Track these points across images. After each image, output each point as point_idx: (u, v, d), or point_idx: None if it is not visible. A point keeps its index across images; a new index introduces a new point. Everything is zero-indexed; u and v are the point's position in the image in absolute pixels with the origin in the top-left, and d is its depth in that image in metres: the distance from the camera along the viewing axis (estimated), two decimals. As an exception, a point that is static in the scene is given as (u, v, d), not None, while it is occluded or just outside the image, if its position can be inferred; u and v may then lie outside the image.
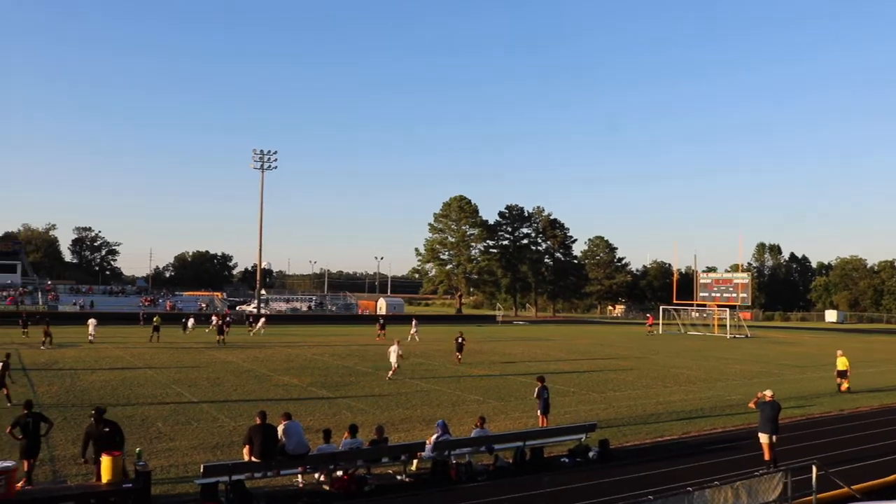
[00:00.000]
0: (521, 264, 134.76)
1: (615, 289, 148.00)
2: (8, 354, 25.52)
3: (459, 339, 40.69)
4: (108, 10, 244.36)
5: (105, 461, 12.43)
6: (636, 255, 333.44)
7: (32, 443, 13.36)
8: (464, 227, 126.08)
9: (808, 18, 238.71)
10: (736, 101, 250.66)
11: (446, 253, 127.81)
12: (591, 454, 16.90)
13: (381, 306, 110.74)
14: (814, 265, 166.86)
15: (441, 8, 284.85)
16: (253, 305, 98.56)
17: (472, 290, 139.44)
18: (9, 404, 21.78)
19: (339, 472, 14.30)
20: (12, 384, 24.07)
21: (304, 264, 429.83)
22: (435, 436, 15.73)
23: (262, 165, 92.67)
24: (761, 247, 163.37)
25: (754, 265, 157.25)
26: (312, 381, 30.15)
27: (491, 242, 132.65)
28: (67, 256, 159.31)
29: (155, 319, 52.18)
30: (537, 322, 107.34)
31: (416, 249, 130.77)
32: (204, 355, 40.33)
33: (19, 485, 12.22)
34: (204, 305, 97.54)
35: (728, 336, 70.29)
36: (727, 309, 75.44)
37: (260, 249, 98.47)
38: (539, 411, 20.10)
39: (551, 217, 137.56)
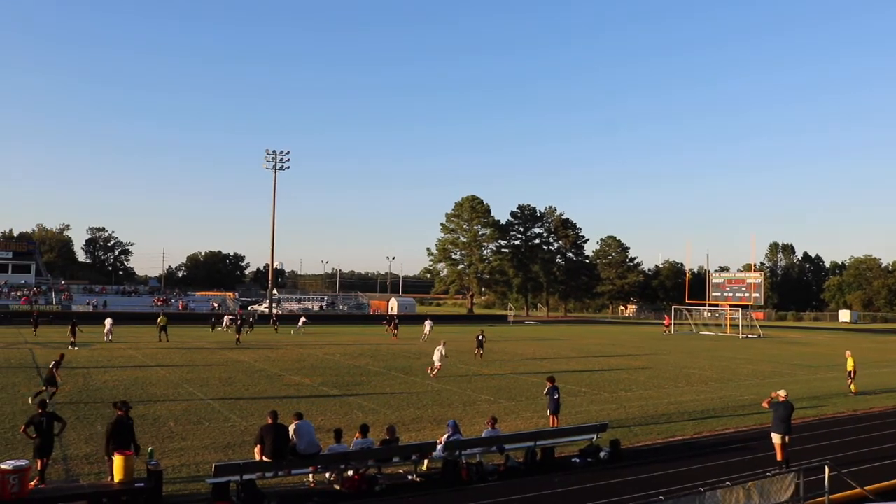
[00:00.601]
0: (532, 264, 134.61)
1: (627, 289, 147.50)
2: (62, 355, 25.87)
3: (480, 337, 42.22)
4: (123, 8, 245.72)
5: (117, 460, 12.51)
6: (648, 255, 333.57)
7: (46, 442, 13.44)
8: (476, 227, 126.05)
9: (836, 18, 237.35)
10: (750, 102, 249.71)
11: (458, 253, 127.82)
12: (602, 454, 16.85)
13: (393, 306, 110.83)
14: (827, 265, 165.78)
15: (455, 8, 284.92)
16: (265, 305, 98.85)
17: (483, 290, 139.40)
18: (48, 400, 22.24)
19: (350, 472, 14.31)
20: (62, 384, 24.29)
21: (315, 264, 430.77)
22: (446, 436, 15.72)
23: (274, 166, 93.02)
24: (774, 246, 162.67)
25: (767, 265, 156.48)
26: (324, 380, 30.21)
27: (503, 242, 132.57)
28: (81, 256, 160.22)
29: (160, 319, 52.20)
30: (549, 322, 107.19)
31: (428, 249, 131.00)
32: (216, 355, 40.49)
33: (32, 483, 12.30)
34: (216, 305, 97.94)
35: (740, 336, 70.00)
36: (739, 309, 75.15)
37: (272, 249, 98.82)
38: (549, 411, 20.05)
39: (563, 217, 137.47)
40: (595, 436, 17.52)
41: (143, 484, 12.42)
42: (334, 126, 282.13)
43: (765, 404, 17.16)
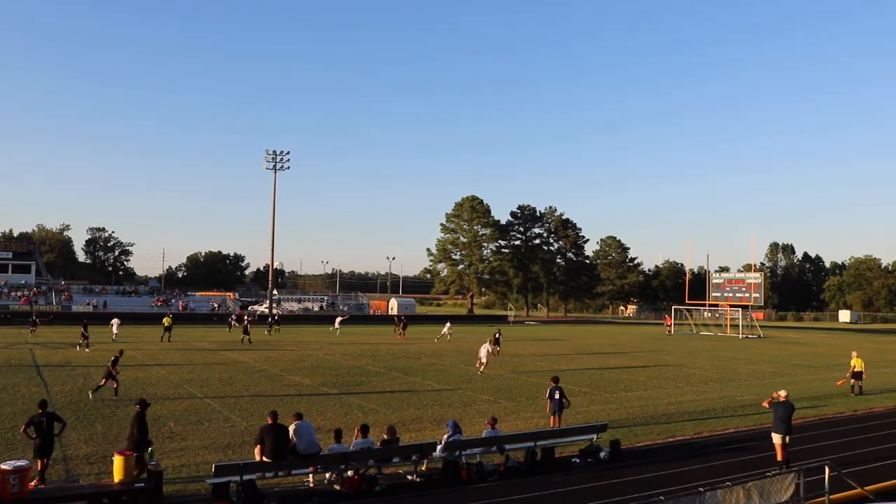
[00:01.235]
0: (532, 264, 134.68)
1: (627, 289, 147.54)
2: (121, 350, 26.66)
3: (497, 335, 44.14)
4: (123, 8, 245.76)
5: (117, 460, 12.52)
6: (648, 256, 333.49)
7: (46, 442, 13.43)
8: (476, 227, 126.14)
9: (836, 18, 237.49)
10: (750, 102, 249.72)
11: (458, 253, 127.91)
12: (602, 454, 16.85)
13: (393, 306, 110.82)
14: (827, 265, 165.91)
15: (455, 8, 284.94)
16: (265, 306, 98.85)
17: (483, 290, 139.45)
18: (115, 396, 23.93)
19: (350, 472, 14.31)
20: (113, 381, 24.55)
21: (316, 264, 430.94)
22: (446, 436, 15.72)
23: (274, 166, 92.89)
24: (774, 246, 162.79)
25: (767, 265, 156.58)
26: (324, 380, 30.21)
27: (503, 242, 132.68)
28: (81, 257, 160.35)
29: (166, 320, 52.32)
30: (549, 322, 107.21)
31: (428, 249, 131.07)
32: (216, 355, 40.49)
33: (32, 483, 12.30)
34: (216, 305, 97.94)
35: (740, 336, 70.01)
36: (739, 309, 75.16)
37: (272, 249, 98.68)
38: (550, 411, 19.98)
39: (563, 217, 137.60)
40: (595, 436, 17.51)
41: (143, 484, 12.43)
42: (334, 126, 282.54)
43: (765, 404, 17.16)
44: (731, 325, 76.20)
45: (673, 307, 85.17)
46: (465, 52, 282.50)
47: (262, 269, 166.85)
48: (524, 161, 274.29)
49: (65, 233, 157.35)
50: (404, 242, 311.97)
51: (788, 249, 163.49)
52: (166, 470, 13.80)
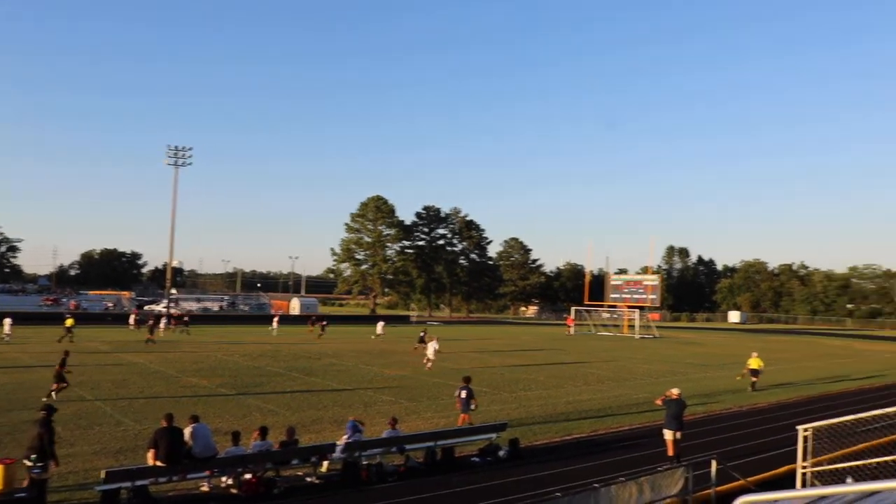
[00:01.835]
0: (436, 265, 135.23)
1: (529, 290, 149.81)
2: (66, 352, 26.73)
3: (422, 335, 46.11)
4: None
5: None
6: (550, 257, 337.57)
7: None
8: (380, 228, 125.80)
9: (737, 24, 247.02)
10: (648, 105, 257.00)
11: (362, 253, 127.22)
12: (501, 453, 17.08)
13: (295, 306, 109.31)
14: (719, 268, 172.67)
15: (349, 7, 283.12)
16: (162, 305, 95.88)
17: (386, 290, 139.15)
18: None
19: (248, 475, 14.05)
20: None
21: (217, 263, 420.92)
22: (346, 437, 15.63)
23: (176, 162, 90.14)
24: (671, 249, 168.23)
25: (664, 267, 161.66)
26: (222, 382, 29.52)
27: (407, 243, 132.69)
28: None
29: (68, 321, 49.61)
30: (451, 322, 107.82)
31: (332, 249, 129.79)
32: (110, 356, 39.00)
33: None
34: (111, 305, 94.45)
35: (637, 336, 72.07)
36: (637, 310, 77.38)
37: (171, 247, 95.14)
38: (460, 410, 20.19)
39: (468, 218, 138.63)
40: (494, 435, 17.74)
41: (24, 494, 11.85)
42: (237, 125, 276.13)
43: (658, 402, 17.74)
44: (628, 326, 78.35)
45: (573, 308, 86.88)
46: (364, 53, 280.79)
47: (160, 267, 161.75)
48: (430, 162, 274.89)
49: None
50: (308, 242, 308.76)
51: (684, 253, 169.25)
52: (52, 478, 13.21)
